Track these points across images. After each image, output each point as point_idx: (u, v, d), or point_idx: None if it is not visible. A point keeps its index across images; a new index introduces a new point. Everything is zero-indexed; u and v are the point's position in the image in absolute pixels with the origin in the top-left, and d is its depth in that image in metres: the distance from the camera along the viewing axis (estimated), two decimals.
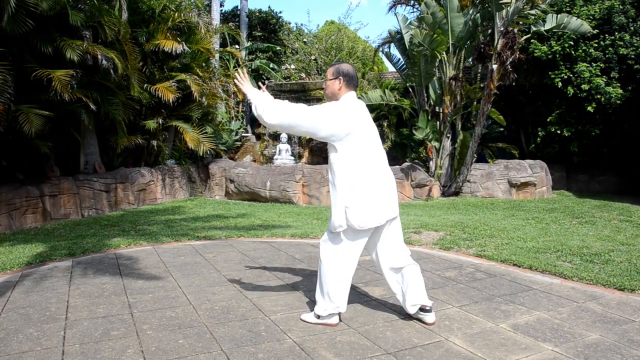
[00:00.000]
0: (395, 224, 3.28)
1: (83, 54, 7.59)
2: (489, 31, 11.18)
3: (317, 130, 3.10)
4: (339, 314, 3.28)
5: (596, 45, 11.06)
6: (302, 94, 14.88)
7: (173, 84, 9.96)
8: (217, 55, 14.20)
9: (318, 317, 3.25)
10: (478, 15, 10.61)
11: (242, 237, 6.34)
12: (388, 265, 3.30)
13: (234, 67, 15.92)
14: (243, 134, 14.88)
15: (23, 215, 7.35)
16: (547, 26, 10.38)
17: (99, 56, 7.81)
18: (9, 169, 7.58)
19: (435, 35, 10.02)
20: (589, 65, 10.99)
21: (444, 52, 10.76)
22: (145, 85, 9.69)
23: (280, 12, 22.62)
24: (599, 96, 10.77)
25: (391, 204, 3.21)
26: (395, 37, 12.17)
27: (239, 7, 20.32)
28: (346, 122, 3.09)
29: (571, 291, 4.00)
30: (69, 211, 8.10)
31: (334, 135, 3.10)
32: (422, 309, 3.27)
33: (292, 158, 13.58)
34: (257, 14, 21.14)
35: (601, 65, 10.96)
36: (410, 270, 3.28)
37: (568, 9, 11.55)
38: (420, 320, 3.30)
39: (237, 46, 17.94)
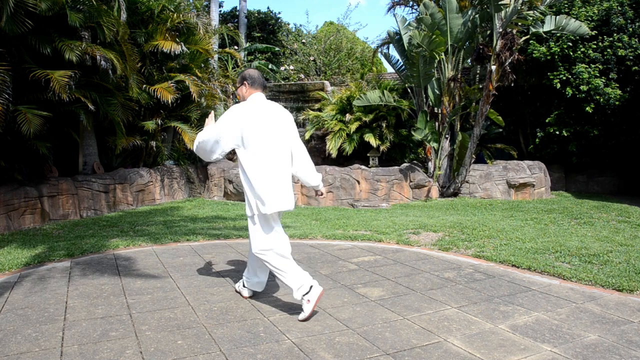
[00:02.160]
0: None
1: (82, 54, 7.57)
2: (488, 32, 11.19)
3: (220, 137, 3.42)
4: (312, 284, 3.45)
5: (595, 46, 11.08)
6: (301, 95, 14.88)
7: (172, 84, 9.95)
8: (215, 56, 14.19)
9: (308, 301, 3.37)
10: (477, 16, 10.62)
11: (240, 238, 6.34)
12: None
13: (232, 68, 15.93)
14: None
15: (21, 215, 7.34)
16: (546, 27, 10.39)
17: (98, 57, 7.80)
18: (7, 169, 7.56)
19: (434, 36, 10.02)
20: (587, 66, 11.01)
21: (443, 53, 10.77)
22: (144, 86, 9.68)
23: (279, 13, 22.67)
24: (597, 97, 10.78)
25: (288, 196, 3.50)
26: (394, 38, 12.17)
27: (237, 8, 20.35)
28: (236, 126, 3.40)
29: (570, 292, 4.01)
30: (68, 212, 8.09)
31: (234, 139, 3.43)
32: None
33: None
34: (256, 14, 21.17)
35: (600, 66, 10.97)
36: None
37: (567, 10, 11.57)
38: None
39: (236, 47, 17.94)
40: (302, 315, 3.39)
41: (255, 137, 3.39)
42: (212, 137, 3.45)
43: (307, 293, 3.37)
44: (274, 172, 3.42)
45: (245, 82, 3.63)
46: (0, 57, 6.62)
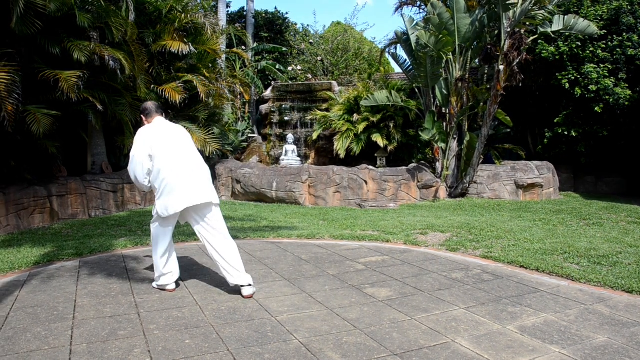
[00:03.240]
0: (208, 212, 4.00)
1: (90, 54, 7.62)
2: (496, 32, 11.13)
3: (140, 158, 3.96)
4: (176, 281, 4.17)
5: (604, 46, 10.99)
6: (308, 95, 14.88)
7: (180, 84, 9.98)
8: (223, 56, 14.23)
9: (157, 285, 4.15)
10: (485, 16, 10.56)
11: (248, 238, 6.35)
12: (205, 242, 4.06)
13: (240, 68, 15.97)
14: (249, 135, 14.90)
15: (31, 215, 7.40)
16: (555, 27, 10.32)
17: (106, 57, 7.84)
18: (17, 169, 7.62)
19: (441, 36, 9.99)
20: (596, 66, 10.92)
21: (451, 53, 10.73)
22: (152, 86, 9.72)
23: (287, 13, 22.68)
24: (607, 97, 10.70)
25: (195, 193, 3.90)
26: (402, 38, 12.15)
27: (245, 8, 20.38)
28: (146, 144, 3.96)
29: (579, 293, 3.98)
30: (77, 211, 8.15)
31: (147, 153, 3.96)
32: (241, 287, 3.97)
33: (299, 159, 13.59)
34: (264, 15, 21.19)
35: (609, 66, 10.88)
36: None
37: (575, 10, 11.49)
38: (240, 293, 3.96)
39: (243, 47, 17.96)
40: (154, 283, 4.20)
41: (158, 150, 3.93)
42: (136, 162, 3.98)
43: (161, 284, 4.11)
44: (175, 178, 3.89)
45: (142, 115, 4.25)
46: (10, 57, 6.69)
